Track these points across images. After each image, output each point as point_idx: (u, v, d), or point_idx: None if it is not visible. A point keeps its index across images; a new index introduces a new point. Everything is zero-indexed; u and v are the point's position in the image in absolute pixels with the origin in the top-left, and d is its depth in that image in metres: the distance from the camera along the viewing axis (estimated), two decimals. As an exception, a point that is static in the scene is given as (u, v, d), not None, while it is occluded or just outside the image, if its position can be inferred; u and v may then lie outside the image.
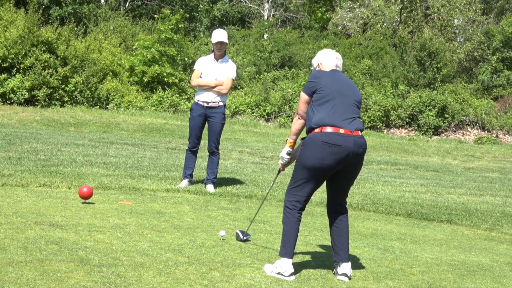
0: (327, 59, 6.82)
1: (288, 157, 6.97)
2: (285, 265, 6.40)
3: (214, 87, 10.80)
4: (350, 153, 6.37)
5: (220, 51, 10.83)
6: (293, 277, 6.37)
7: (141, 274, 5.92)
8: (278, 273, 6.37)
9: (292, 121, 6.94)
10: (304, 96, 6.60)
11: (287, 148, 6.92)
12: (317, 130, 6.41)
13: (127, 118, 23.98)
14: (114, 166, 12.57)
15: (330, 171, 6.44)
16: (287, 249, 6.46)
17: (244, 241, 7.61)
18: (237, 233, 7.74)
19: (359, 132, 6.48)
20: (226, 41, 10.76)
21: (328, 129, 6.36)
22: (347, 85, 6.63)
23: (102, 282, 5.58)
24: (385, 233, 9.20)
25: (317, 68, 6.82)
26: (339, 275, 6.56)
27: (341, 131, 6.36)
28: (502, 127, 30.87)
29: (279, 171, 7.33)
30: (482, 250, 8.73)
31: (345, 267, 6.59)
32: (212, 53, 10.98)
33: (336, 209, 6.76)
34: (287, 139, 6.88)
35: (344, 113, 6.45)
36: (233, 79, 10.94)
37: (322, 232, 8.73)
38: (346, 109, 6.48)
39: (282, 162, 7.06)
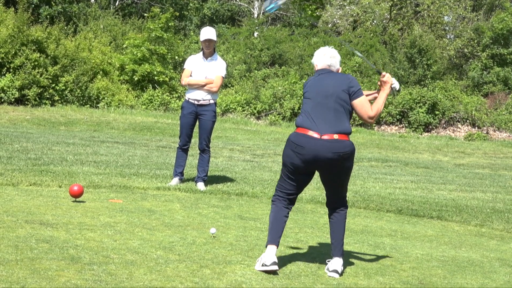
0: (320, 59, 6.84)
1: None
2: (268, 254, 6.39)
3: (204, 85, 10.80)
4: (317, 156, 6.38)
5: (209, 48, 10.83)
6: (275, 267, 6.34)
7: (132, 272, 5.92)
8: (263, 265, 6.35)
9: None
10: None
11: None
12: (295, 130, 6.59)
13: (117, 117, 23.95)
14: (105, 165, 12.56)
15: (301, 169, 6.51)
16: (270, 237, 6.51)
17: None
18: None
19: (336, 135, 6.42)
20: (214, 38, 10.76)
21: (299, 130, 6.49)
22: (331, 84, 6.60)
23: (92, 280, 5.58)
24: (375, 229, 9.22)
25: (314, 69, 6.89)
26: (330, 271, 6.58)
27: (310, 133, 6.41)
28: (493, 124, 30.96)
29: None
30: (473, 246, 8.76)
31: (335, 262, 6.60)
32: (202, 52, 10.98)
33: (332, 205, 6.81)
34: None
35: (321, 116, 6.47)
36: (223, 77, 10.94)
37: (313, 229, 8.74)
38: (325, 111, 6.49)
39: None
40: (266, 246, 6.51)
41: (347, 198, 6.87)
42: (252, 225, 8.58)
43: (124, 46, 29.75)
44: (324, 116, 6.47)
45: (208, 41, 10.76)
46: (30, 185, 9.88)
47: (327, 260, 6.77)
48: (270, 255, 6.39)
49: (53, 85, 25.77)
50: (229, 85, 30.96)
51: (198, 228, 8.09)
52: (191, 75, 10.90)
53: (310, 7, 44.99)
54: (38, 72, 25.29)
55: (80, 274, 5.70)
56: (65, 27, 29.88)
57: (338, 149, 6.40)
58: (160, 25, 29.34)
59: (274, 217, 6.60)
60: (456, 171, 18.02)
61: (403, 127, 30.52)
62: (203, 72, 10.82)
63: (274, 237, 6.51)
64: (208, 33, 10.80)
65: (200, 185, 10.97)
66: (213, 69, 10.84)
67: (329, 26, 39.06)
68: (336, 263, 6.59)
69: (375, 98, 6.90)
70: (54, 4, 34.50)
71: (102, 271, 5.85)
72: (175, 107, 27.37)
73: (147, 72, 28.08)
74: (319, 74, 6.75)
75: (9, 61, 25.37)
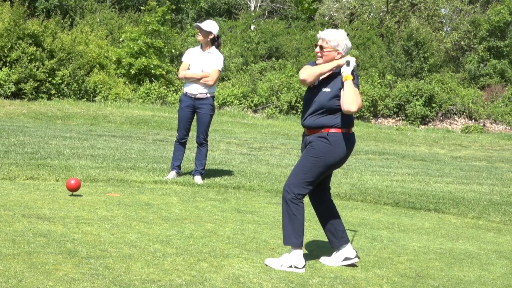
0: (347, 45, 6.55)
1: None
2: (300, 257, 6.37)
3: (200, 79, 10.78)
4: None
5: (202, 37, 10.81)
6: (304, 269, 6.36)
7: (129, 266, 5.92)
8: (291, 266, 6.32)
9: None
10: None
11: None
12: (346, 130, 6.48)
13: (114, 111, 23.93)
14: (102, 158, 12.55)
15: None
16: (300, 240, 6.40)
17: None
18: None
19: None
20: (206, 28, 10.72)
21: (350, 130, 6.52)
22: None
23: (90, 274, 5.58)
24: (373, 222, 9.22)
25: (337, 56, 6.50)
26: (351, 259, 6.63)
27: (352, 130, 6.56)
28: (489, 116, 31.00)
29: None
30: (469, 238, 8.77)
31: (350, 248, 6.70)
32: (200, 45, 10.98)
33: (326, 193, 6.82)
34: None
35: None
36: (219, 70, 10.91)
37: (310, 222, 8.74)
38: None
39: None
40: (293, 247, 6.38)
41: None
42: (249, 219, 8.58)
43: (121, 39, 29.71)
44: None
45: (199, 28, 10.78)
46: (27, 179, 9.87)
47: (336, 250, 6.73)
48: (301, 257, 6.41)
49: (50, 78, 25.73)
50: (226, 78, 30.94)
51: (195, 221, 8.09)
52: (188, 68, 10.88)
53: (306, 0, 44.95)
54: (34, 66, 25.25)
55: (78, 268, 5.70)
56: (62, 21, 29.83)
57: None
58: (156, 19, 29.30)
59: (303, 219, 6.43)
60: (453, 163, 18.03)
61: (400, 120, 30.54)
62: (199, 65, 10.81)
63: (302, 240, 6.46)
64: (202, 23, 10.85)
65: (198, 179, 10.97)
66: (210, 62, 10.82)
67: (326, 19, 39.04)
68: (350, 248, 6.70)
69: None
70: (50, -3, 34.46)
71: (100, 265, 5.85)
72: (172, 101, 27.35)
73: (144, 66, 28.05)
74: None
75: (5, 55, 25.34)
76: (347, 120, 6.41)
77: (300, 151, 7.01)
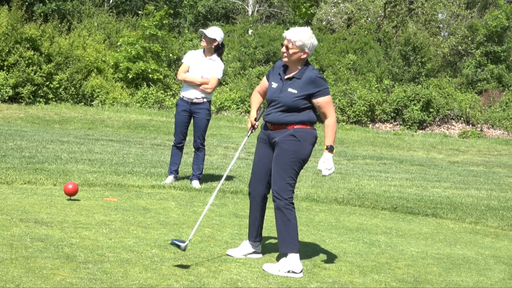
0: (313, 44, 6.67)
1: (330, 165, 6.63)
2: (297, 261, 6.45)
3: (200, 85, 10.76)
4: None
5: (206, 44, 10.77)
6: (302, 274, 6.41)
7: (127, 270, 5.91)
8: (289, 271, 6.38)
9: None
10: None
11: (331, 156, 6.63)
12: (310, 126, 6.67)
13: (112, 115, 23.92)
14: (99, 163, 12.54)
15: None
16: (296, 245, 6.52)
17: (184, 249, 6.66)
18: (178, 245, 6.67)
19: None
20: (210, 36, 10.69)
21: (313, 126, 6.73)
22: None
23: (88, 278, 5.57)
24: (370, 227, 9.22)
25: (303, 55, 6.61)
26: (251, 253, 6.98)
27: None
28: (487, 121, 31.02)
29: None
30: (467, 243, 8.77)
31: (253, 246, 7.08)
32: (203, 49, 10.94)
33: (267, 193, 6.98)
34: (332, 147, 6.61)
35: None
36: (218, 79, 10.87)
37: (308, 226, 8.74)
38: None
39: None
40: (290, 252, 6.50)
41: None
42: (247, 223, 8.56)
43: (118, 43, 29.70)
44: None
45: (203, 35, 10.76)
46: (25, 183, 9.86)
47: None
48: (299, 261, 6.52)
49: (47, 83, 25.72)
50: (224, 83, 30.94)
51: (193, 226, 8.06)
52: (188, 71, 10.86)
53: (304, 4, 44.98)
54: (32, 70, 25.24)
55: (75, 273, 5.69)
56: (59, 25, 29.81)
57: None
58: (154, 23, 29.30)
59: (296, 223, 6.63)
60: (450, 168, 18.04)
61: (397, 124, 30.55)
62: (200, 70, 10.78)
63: (298, 245, 6.64)
64: (207, 29, 10.81)
65: (195, 183, 10.96)
66: (210, 69, 10.79)
67: (324, 23, 39.06)
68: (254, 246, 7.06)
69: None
70: (48, 1, 34.40)
71: (97, 270, 5.84)
72: (170, 105, 27.35)
73: (141, 70, 28.05)
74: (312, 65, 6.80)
75: (3, 59, 25.32)
76: (311, 117, 6.63)
77: (255, 140, 7.17)
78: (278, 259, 6.80)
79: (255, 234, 6.96)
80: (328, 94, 6.58)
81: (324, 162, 6.55)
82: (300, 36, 6.55)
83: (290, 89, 6.57)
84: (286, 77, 6.68)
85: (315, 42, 6.64)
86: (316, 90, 6.53)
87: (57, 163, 12.06)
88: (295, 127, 6.56)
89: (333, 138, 6.58)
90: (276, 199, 6.54)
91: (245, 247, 6.95)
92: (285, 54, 6.63)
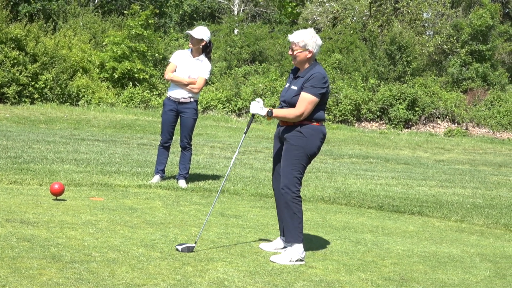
0: (317, 45, 7.10)
1: (259, 109, 7.01)
2: (303, 250, 6.92)
3: (187, 85, 10.76)
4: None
5: (193, 45, 10.79)
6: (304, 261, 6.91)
7: (114, 270, 5.92)
8: (298, 260, 6.82)
9: (262, 117, 7.05)
10: (316, 100, 6.91)
11: (266, 110, 6.99)
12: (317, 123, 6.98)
13: (98, 115, 23.87)
14: (86, 163, 12.52)
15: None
16: (302, 236, 6.99)
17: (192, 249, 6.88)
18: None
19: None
20: (197, 36, 10.69)
21: (321, 123, 7.03)
22: None
23: (74, 278, 5.57)
24: (357, 225, 9.25)
25: (308, 54, 6.99)
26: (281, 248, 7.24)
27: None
28: (472, 120, 31.14)
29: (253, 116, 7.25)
30: (453, 241, 8.81)
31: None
32: (191, 49, 10.94)
33: None
34: (271, 110, 6.96)
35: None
36: (206, 79, 10.88)
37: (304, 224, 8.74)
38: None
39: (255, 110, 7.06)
40: (297, 242, 6.92)
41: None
42: (233, 222, 8.59)
43: (104, 43, 29.63)
44: None
45: (190, 37, 10.77)
46: (10, 183, 9.84)
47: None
48: (303, 250, 6.97)
49: (33, 83, 25.64)
50: (210, 83, 30.91)
51: (179, 225, 8.09)
52: (175, 70, 10.86)
53: (290, 4, 45.02)
54: (17, 70, 25.15)
55: (62, 273, 5.68)
56: (45, 25, 29.72)
57: None
58: (140, 23, 29.24)
59: (302, 215, 7.08)
60: (436, 167, 18.11)
61: (383, 123, 30.62)
62: (187, 70, 10.78)
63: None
64: (193, 30, 10.82)
65: (182, 183, 10.96)
66: (198, 69, 10.79)
67: (309, 23, 39.10)
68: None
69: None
70: (33, 1, 34.33)
71: (84, 269, 5.84)
72: (156, 105, 27.32)
73: (127, 70, 27.99)
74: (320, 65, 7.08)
75: (-12, 59, 25.22)
76: (318, 114, 6.95)
77: (272, 138, 7.51)
78: (266, 257, 6.80)
79: (283, 228, 7.27)
80: (311, 93, 6.84)
81: (254, 104, 7.01)
82: (302, 37, 7.01)
83: (292, 87, 7.01)
84: (294, 77, 7.12)
85: (319, 41, 7.07)
86: (306, 85, 6.89)
87: (43, 163, 12.03)
88: (302, 123, 6.90)
89: (280, 113, 6.94)
90: (284, 193, 6.93)
91: (277, 242, 7.31)
92: (292, 56, 7.07)
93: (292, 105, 6.90)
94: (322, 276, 6.44)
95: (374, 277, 6.59)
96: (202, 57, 10.85)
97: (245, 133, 7.32)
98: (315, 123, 6.92)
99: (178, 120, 11.00)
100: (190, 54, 10.89)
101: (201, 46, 10.79)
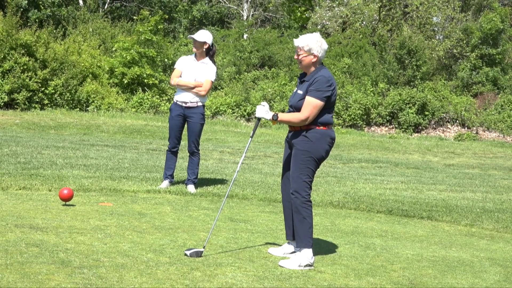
0: (323, 49, 7.10)
1: (265, 113, 7.05)
2: (312, 255, 6.90)
3: (193, 88, 10.78)
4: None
5: (196, 48, 10.82)
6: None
7: (122, 275, 5.91)
8: (307, 265, 6.81)
9: (271, 122, 7.13)
10: (320, 104, 6.89)
11: (271, 114, 7.02)
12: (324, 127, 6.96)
13: (107, 120, 23.91)
14: (95, 168, 12.54)
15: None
16: (311, 241, 6.98)
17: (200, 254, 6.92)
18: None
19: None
20: (199, 39, 10.73)
21: (330, 127, 7.04)
22: None
23: (83, 283, 5.57)
24: (366, 230, 9.23)
25: (313, 59, 6.99)
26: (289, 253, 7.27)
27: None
28: (482, 124, 31.05)
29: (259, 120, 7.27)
30: (463, 245, 8.78)
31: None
32: (194, 54, 10.97)
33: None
34: (276, 114, 6.99)
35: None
36: (212, 81, 10.91)
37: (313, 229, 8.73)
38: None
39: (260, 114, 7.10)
40: (307, 247, 6.90)
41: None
42: (242, 227, 8.58)
43: (114, 49, 29.71)
44: None
45: (193, 41, 10.80)
46: (20, 189, 9.86)
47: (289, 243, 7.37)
48: (312, 255, 6.95)
49: (43, 88, 25.71)
50: (219, 88, 30.95)
51: (188, 230, 8.09)
52: (181, 76, 10.89)
53: (299, 8, 45.02)
54: (27, 76, 25.23)
55: (70, 278, 5.69)
56: (54, 31, 29.83)
57: None
58: (149, 28, 29.31)
59: (312, 220, 7.06)
60: (446, 171, 18.06)
61: (393, 128, 30.57)
62: (192, 74, 10.81)
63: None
64: (196, 34, 10.87)
65: (190, 188, 10.96)
66: (203, 72, 10.82)
67: (319, 27, 39.09)
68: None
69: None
70: (43, 7, 34.43)
71: (93, 275, 5.84)
72: (165, 110, 27.34)
73: (136, 75, 28.04)
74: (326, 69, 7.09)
75: (-2, 65, 25.31)
76: (325, 118, 6.94)
77: (281, 143, 7.50)
78: (274, 262, 6.79)
79: (290, 233, 7.30)
80: (316, 97, 6.84)
81: (260, 108, 7.04)
82: (307, 41, 6.98)
83: (298, 91, 7.02)
84: (300, 81, 7.14)
85: (325, 45, 7.07)
86: (310, 88, 6.89)
87: (52, 168, 12.05)
88: (308, 128, 6.90)
89: (285, 117, 6.98)
90: (294, 198, 6.93)
91: (286, 247, 7.32)
92: (298, 61, 7.08)
93: (298, 109, 6.91)
94: (331, 281, 6.42)
95: (383, 282, 6.57)
96: (207, 60, 10.89)
97: (251, 137, 7.34)
98: (321, 127, 6.91)
99: (186, 125, 11.01)
100: (194, 58, 10.92)
101: (204, 49, 10.82)
